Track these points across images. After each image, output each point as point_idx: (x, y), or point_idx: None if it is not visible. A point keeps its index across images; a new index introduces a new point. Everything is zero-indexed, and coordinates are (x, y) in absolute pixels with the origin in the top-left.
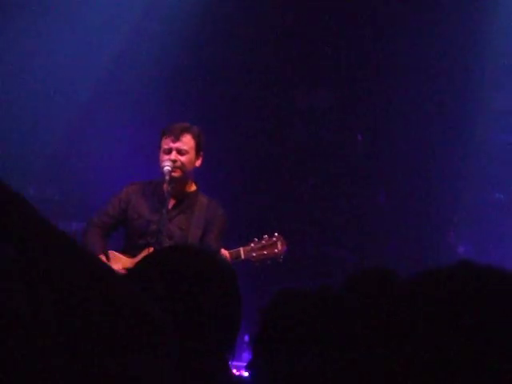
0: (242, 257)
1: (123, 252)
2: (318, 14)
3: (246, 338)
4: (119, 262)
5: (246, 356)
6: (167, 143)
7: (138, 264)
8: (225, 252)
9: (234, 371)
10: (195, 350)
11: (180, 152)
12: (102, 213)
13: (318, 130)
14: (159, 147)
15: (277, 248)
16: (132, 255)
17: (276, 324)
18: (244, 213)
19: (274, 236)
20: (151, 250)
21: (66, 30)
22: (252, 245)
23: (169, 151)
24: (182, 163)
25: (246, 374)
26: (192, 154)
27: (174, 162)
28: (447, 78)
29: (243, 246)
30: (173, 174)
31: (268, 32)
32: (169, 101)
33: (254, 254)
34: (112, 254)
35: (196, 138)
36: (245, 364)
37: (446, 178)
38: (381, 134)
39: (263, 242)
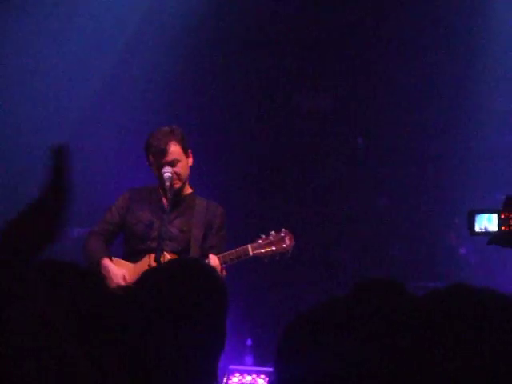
0: (251, 254)
1: (124, 258)
2: (320, 17)
3: (249, 342)
4: (123, 268)
5: (249, 360)
6: (156, 160)
7: (137, 282)
8: (214, 257)
9: (237, 375)
10: (184, 358)
11: (172, 164)
12: (102, 221)
13: (319, 132)
14: (147, 161)
15: (285, 243)
16: (133, 260)
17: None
18: (245, 217)
19: (282, 231)
20: (152, 256)
21: (69, 32)
22: (260, 241)
23: (161, 167)
24: (178, 173)
25: (248, 378)
26: (183, 159)
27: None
28: (449, 80)
29: (251, 243)
30: (174, 186)
31: (270, 35)
32: (171, 105)
33: (263, 251)
34: (116, 261)
35: (180, 141)
36: (247, 368)
37: (447, 180)
38: (382, 136)
39: (271, 237)
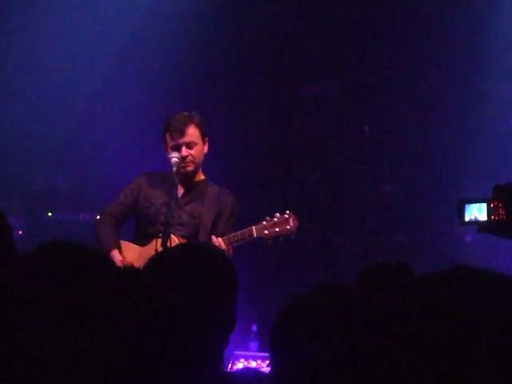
0: (255, 235)
1: (135, 240)
2: (325, 5)
3: (254, 328)
4: (131, 252)
5: (254, 346)
6: (174, 139)
7: (145, 267)
8: (220, 241)
9: (242, 360)
10: (192, 342)
11: (189, 146)
12: (114, 203)
13: (324, 120)
14: (164, 142)
15: (289, 224)
16: (142, 243)
17: (292, 322)
18: (251, 202)
19: (286, 213)
20: (159, 240)
21: (76, 21)
22: (264, 222)
23: (178, 147)
24: (193, 156)
25: (253, 364)
26: (200, 143)
27: (186, 157)
28: (454, 68)
29: (255, 224)
30: (187, 168)
31: (273, 22)
32: (176, 91)
33: (267, 232)
34: (124, 244)
35: (199, 126)
36: (252, 353)
37: (451, 167)
38: (387, 123)
39: (275, 219)
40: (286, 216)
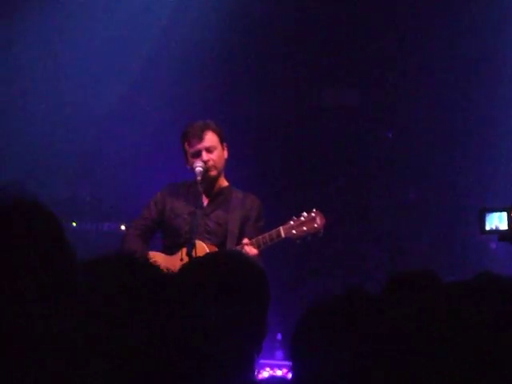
0: (283, 235)
1: (162, 251)
2: (346, 12)
3: (279, 337)
4: (158, 261)
5: (279, 354)
6: (193, 146)
7: (177, 274)
8: (250, 248)
9: (268, 369)
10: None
11: (208, 150)
12: (140, 217)
13: (347, 127)
14: (183, 152)
15: (316, 223)
16: (170, 253)
17: (311, 327)
18: (274, 211)
19: (313, 211)
20: (184, 250)
21: (98, 30)
22: (291, 222)
23: (198, 153)
24: (214, 160)
25: (279, 372)
26: (219, 148)
27: (207, 162)
28: (479, 74)
29: (282, 224)
30: (210, 173)
31: (295, 30)
32: (198, 100)
33: (294, 232)
34: (151, 254)
35: (216, 131)
36: (278, 362)
37: (477, 175)
38: (409, 131)
39: (302, 218)
40: (313, 214)
